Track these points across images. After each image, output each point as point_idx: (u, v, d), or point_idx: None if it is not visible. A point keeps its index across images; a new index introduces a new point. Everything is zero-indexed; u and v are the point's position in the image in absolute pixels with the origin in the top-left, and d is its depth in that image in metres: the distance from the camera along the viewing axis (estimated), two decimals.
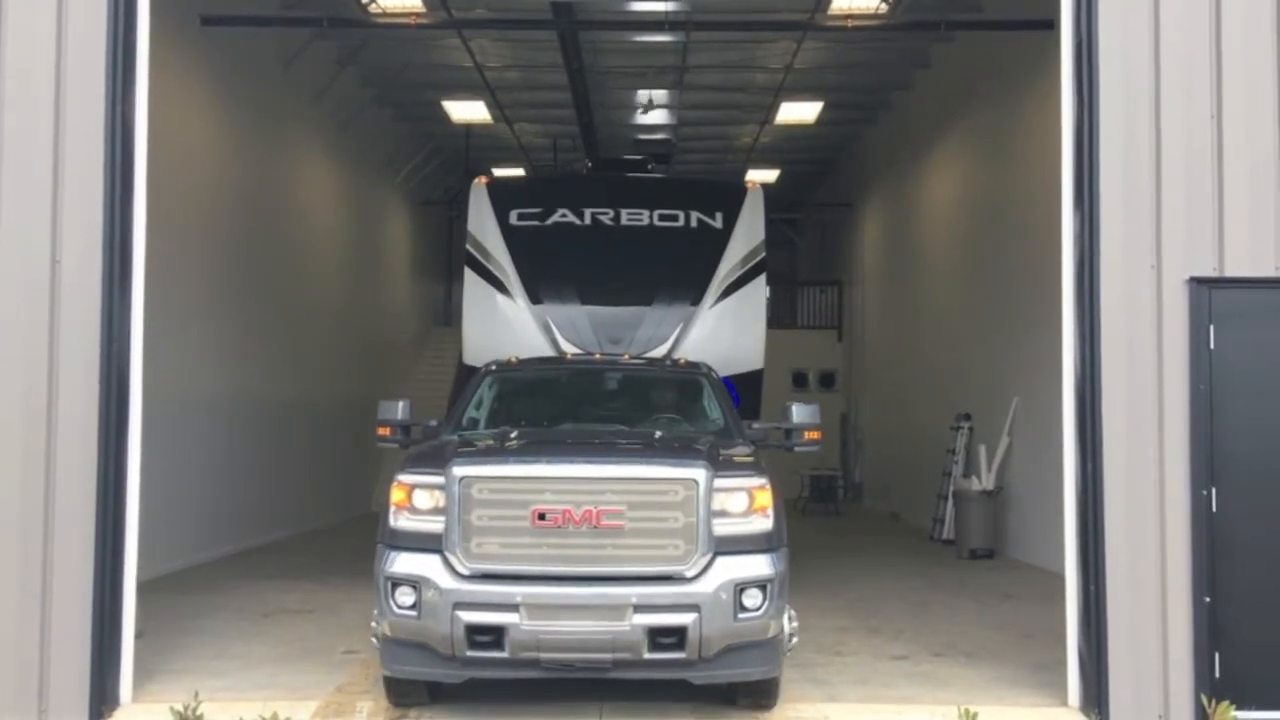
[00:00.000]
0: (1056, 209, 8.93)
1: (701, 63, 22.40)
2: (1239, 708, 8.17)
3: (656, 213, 14.75)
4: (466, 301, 14.29)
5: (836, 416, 29.97)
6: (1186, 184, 8.56)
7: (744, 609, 7.85)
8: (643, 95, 24.66)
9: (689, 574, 7.84)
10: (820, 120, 25.66)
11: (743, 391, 12.86)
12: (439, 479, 7.99)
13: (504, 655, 7.79)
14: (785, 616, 8.24)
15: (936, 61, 21.85)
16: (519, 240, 14.27)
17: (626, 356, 12.45)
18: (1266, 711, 8.31)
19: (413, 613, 7.85)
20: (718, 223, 14.61)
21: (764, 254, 14.57)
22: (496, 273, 14.08)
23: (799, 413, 9.70)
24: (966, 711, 8.15)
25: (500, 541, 7.87)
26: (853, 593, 14.26)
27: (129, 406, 8.57)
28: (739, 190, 15.30)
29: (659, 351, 13.20)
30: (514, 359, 11.20)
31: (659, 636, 7.79)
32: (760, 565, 7.97)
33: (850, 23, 18.31)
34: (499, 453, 8.54)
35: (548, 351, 13.02)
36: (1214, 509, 8.41)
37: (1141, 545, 8.42)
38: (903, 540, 20.60)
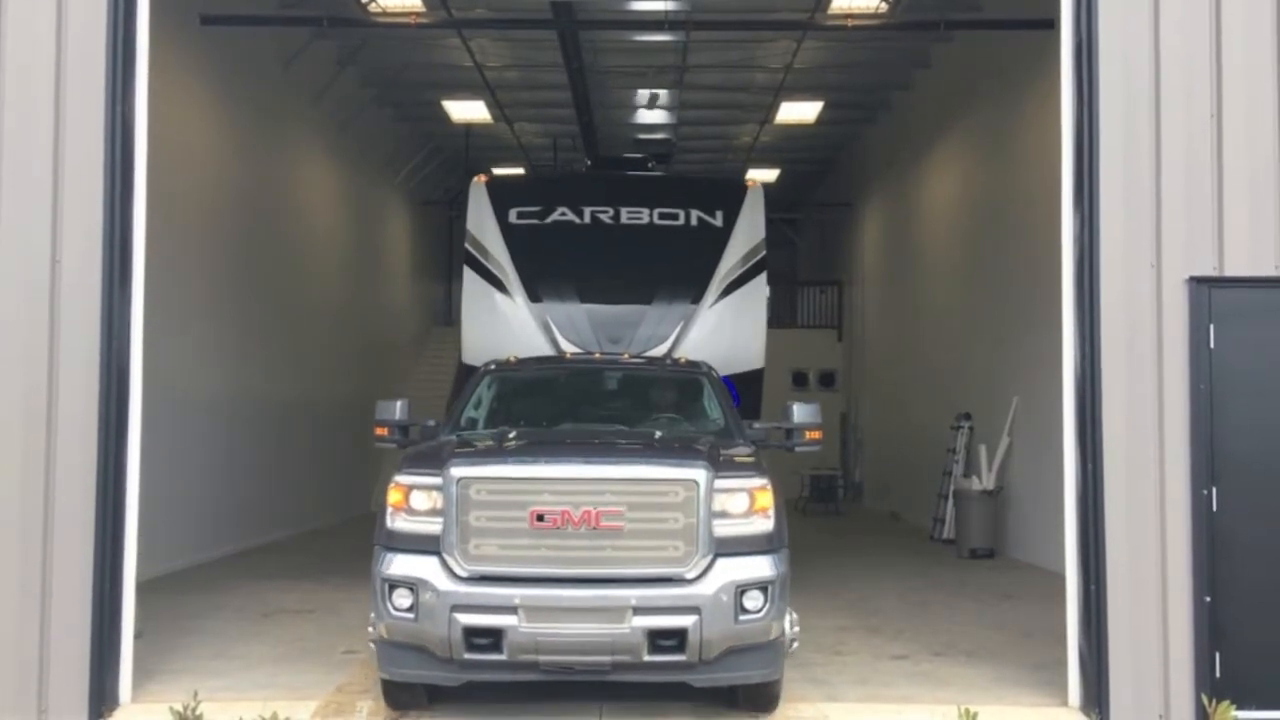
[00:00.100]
0: (1056, 209, 8.92)
1: (701, 62, 22.39)
2: (1239, 707, 8.16)
3: (656, 211, 14.71)
4: (465, 300, 14.26)
5: (836, 416, 29.96)
6: (1186, 183, 8.56)
7: (745, 611, 7.79)
8: (643, 95, 24.64)
9: (689, 576, 7.78)
10: (820, 120, 25.66)
11: (743, 391, 12.82)
12: (436, 480, 7.93)
13: (502, 658, 7.72)
14: (786, 618, 8.18)
15: (936, 61, 21.84)
16: (518, 239, 14.23)
17: (626, 356, 12.41)
18: (1267, 711, 8.30)
19: (410, 615, 7.79)
20: (718, 221, 14.57)
21: (764, 252, 14.52)
22: (495, 271, 14.05)
23: (800, 412, 9.59)
24: (966, 711, 8.14)
25: (498, 543, 7.81)
26: (853, 592, 14.26)
27: (129, 406, 8.56)
28: (739, 188, 15.27)
29: (659, 350, 13.16)
30: (512, 358, 11.14)
31: (659, 639, 7.72)
32: (761, 567, 7.92)
33: (850, 22, 18.32)
34: (497, 453, 8.49)
35: (547, 350, 12.98)
36: (1214, 508, 8.41)
37: (1142, 545, 8.41)
38: (903, 540, 20.60)
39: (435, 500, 7.90)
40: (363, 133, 24.90)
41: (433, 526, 7.86)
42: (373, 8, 18.51)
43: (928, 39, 20.87)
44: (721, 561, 7.83)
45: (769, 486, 8.13)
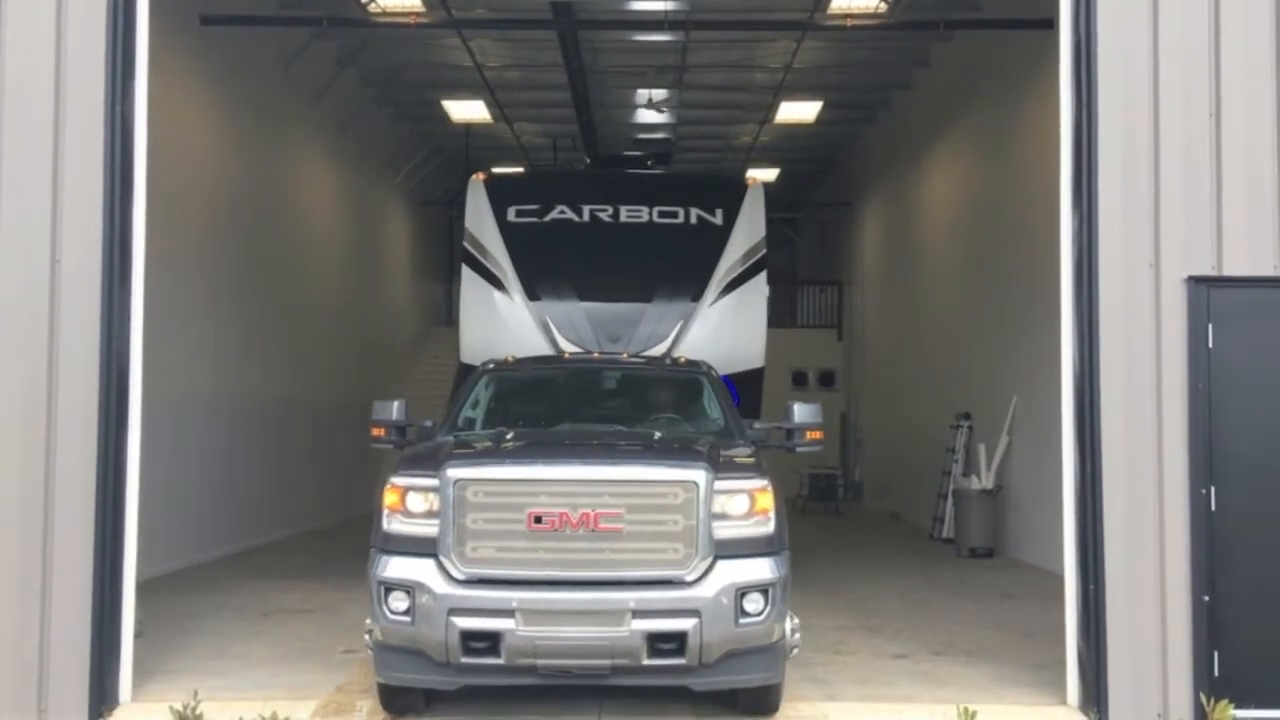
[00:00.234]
0: (1056, 208, 8.92)
1: (701, 62, 22.39)
2: (1238, 707, 8.17)
3: (656, 209, 14.63)
4: (464, 299, 14.20)
5: (836, 416, 29.95)
6: (1185, 183, 8.56)
7: (745, 614, 7.73)
8: (642, 95, 24.64)
9: (689, 578, 7.72)
10: (820, 119, 25.66)
11: (743, 390, 12.79)
12: (433, 481, 7.85)
13: (500, 662, 7.65)
14: (787, 621, 8.13)
15: (936, 61, 21.84)
16: (517, 237, 14.18)
17: (625, 355, 12.37)
18: (1266, 710, 8.31)
19: (406, 618, 7.72)
20: (718, 219, 14.50)
21: (765, 251, 14.46)
22: (494, 270, 13.99)
23: (801, 412, 9.50)
24: (966, 710, 8.14)
25: (496, 545, 7.75)
26: (852, 592, 14.26)
27: (129, 406, 8.57)
28: (739, 186, 15.22)
29: (658, 349, 13.11)
30: (511, 358, 11.06)
31: (658, 642, 7.66)
32: (762, 569, 7.85)
33: (850, 22, 18.33)
34: (494, 454, 8.44)
35: (546, 350, 12.92)
36: (1213, 508, 8.41)
37: (1140, 544, 8.42)
38: (902, 539, 20.61)
39: (432, 502, 7.83)
40: (362, 133, 24.90)
41: (429, 529, 7.79)
42: (373, 8, 18.51)
43: (927, 39, 20.86)
44: (721, 564, 7.77)
45: (769, 488, 8.06)
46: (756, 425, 9.89)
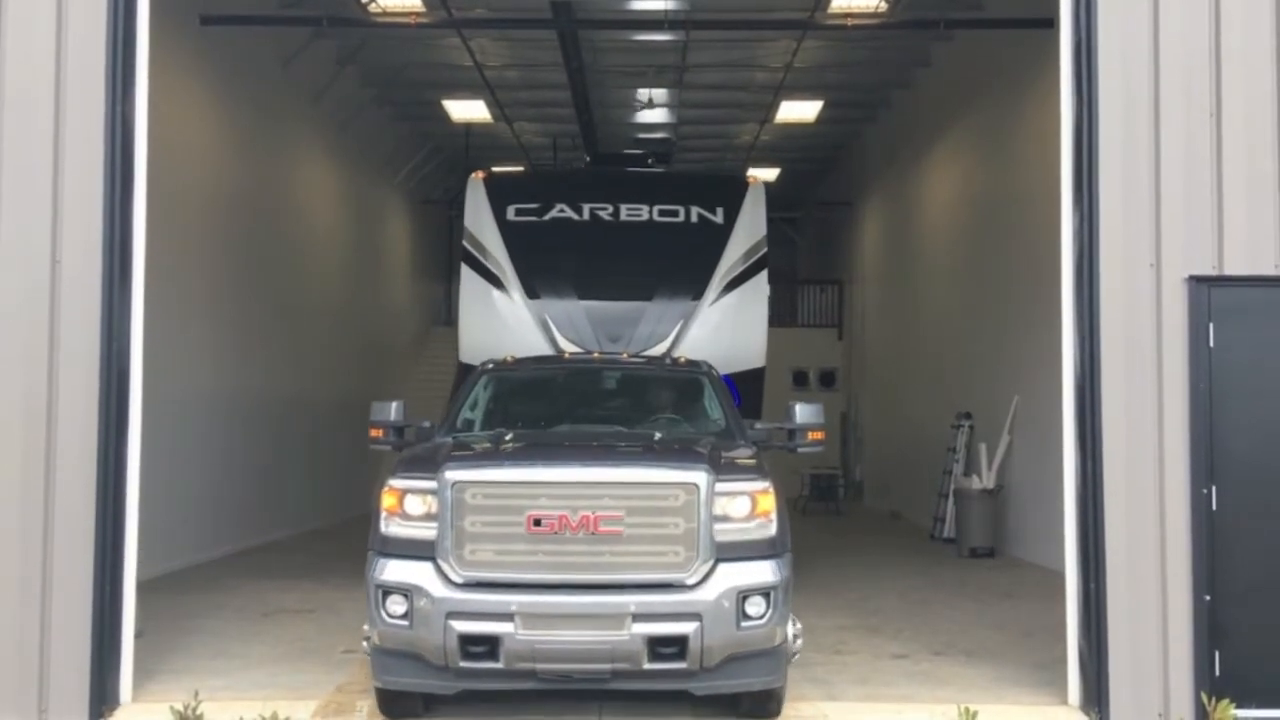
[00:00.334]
0: (1056, 208, 8.91)
1: (701, 61, 22.38)
2: (1239, 706, 8.16)
3: (656, 208, 14.59)
4: (463, 298, 14.17)
5: (837, 415, 29.94)
6: (1185, 182, 8.55)
7: (747, 617, 7.66)
8: (642, 95, 24.63)
9: (690, 581, 7.66)
10: (820, 119, 25.66)
11: (744, 390, 12.76)
12: (431, 484, 7.78)
13: (499, 666, 7.58)
14: (789, 624, 8.08)
15: (936, 60, 21.84)
16: (516, 236, 14.14)
17: (625, 354, 12.34)
18: (1266, 710, 8.30)
19: (404, 622, 7.66)
20: (718, 218, 14.45)
21: (766, 249, 14.40)
22: (493, 269, 13.96)
23: (802, 412, 9.42)
24: (966, 710, 8.13)
25: (495, 548, 7.68)
26: (853, 591, 14.25)
27: (129, 406, 8.56)
28: (740, 184, 15.17)
29: (659, 349, 13.08)
30: (510, 358, 10.98)
31: (659, 646, 7.59)
32: (764, 572, 7.78)
33: (850, 21, 18.33)
34: (493, 456, 8.38)
35: (546, 349, 12.90)
36: (1214, 507, 8.40)
37: (1141, 544, 8.41)
38: (903, 539, 20.60)
39: (430, 505, 7.75)
40: (362, 132, 24.89)
41: (427, 531, 7.72)
42: (373, 8, 18.50)
43: (928, 38, 20.86)
44: (723, 567, 7.71)
45: (771, 489, 7.99)
46: (758, 425, 9.81)
